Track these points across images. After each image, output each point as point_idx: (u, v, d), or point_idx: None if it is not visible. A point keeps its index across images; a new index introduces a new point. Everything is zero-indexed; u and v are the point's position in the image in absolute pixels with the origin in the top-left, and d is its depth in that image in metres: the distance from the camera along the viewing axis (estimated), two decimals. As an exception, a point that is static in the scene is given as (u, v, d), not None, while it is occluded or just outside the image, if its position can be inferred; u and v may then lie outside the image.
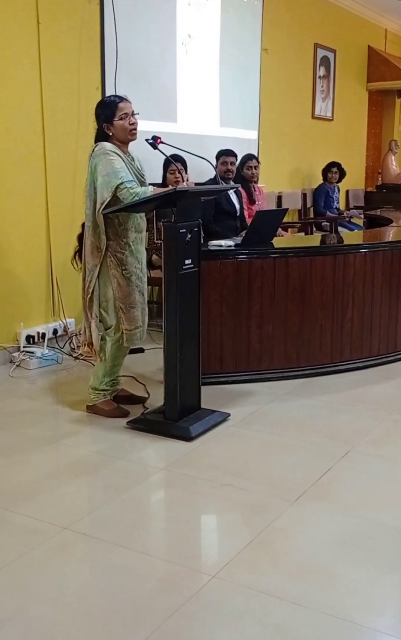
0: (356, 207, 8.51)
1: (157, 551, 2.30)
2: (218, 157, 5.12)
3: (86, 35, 4.62)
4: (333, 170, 7.31)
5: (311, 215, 7.47)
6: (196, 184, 4.64)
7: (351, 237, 5.61)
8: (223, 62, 6.02)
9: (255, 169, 5.55)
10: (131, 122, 3.20)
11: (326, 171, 7.34)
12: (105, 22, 4.72)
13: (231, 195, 5.14)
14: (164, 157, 3.55)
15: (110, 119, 3.18)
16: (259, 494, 2.64)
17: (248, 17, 6.31)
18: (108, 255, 3.22)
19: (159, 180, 4.72)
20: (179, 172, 3.57)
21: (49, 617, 1.93)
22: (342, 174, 7.37)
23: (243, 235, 4.27)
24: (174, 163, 3.98)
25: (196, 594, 2.03)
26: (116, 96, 3.28)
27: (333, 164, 7.34)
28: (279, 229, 5.28)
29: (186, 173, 4.69)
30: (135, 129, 3.22)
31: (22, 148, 4.28)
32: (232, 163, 5.13)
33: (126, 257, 3.24)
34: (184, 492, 2.68)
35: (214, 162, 5.04)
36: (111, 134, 3.20)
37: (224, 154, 5.11)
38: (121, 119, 3.18)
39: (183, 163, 4.52)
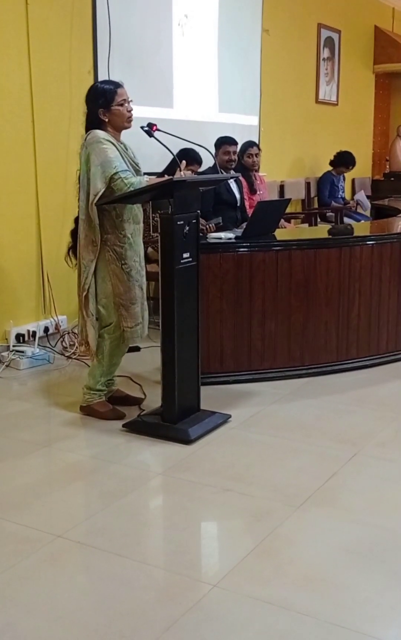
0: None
1: (155, 560, 2.32)
2: (218, 145, 5.11)
3: (77, 15, 4.62)
4: (350, 168, 7.28)
5: (315, 206, 7.47)
6: (195, 174, 4.63)
7: (357, 228, 5.61)
8: (221, 44, 6.02)
9: (256, 156, 5.55)
10: (128, 109, 3.23)
11: (339, 164, 7.28)
12: (97, 2, 4.72)
13: (231, 185, 5.14)
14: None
15: (108, 104, 3.19)
16: (262, 500, 2.65)
17: (248, -5, 6.30)
18: (106, 250, 3.23)
19: (155, 169, 4.71)
20: (180, 168, 3.58)
21: (43, 631, 1.94)
22: (353, 164, 7.35)
23: (244, 227, 4.28)
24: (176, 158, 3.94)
25: (197, 604, 2.05)
26: (111, 81, 3.29)
27: (350, 161, 7.22)
28: (282, 220, 5.29)
29: (199, 166, 4.69)
30: (132, 116, 3.26)
31: (10, 135, 4.28)
32: (234, 152, 5.13)
33: (125, 251, 3.24)
34: (184, 498, 2.69)
35: (213, 150, 5.04)
36: (106, 120, 3.21)
37: (226, 142, 5.09)
38: (120, 104, 3.20)
39: (194, 156, 4.51)
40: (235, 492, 2.71)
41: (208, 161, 4.80)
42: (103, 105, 3.19)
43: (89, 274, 3.24)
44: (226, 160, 5.07)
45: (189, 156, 4.41)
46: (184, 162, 3.61)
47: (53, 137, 4.50)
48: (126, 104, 3.22)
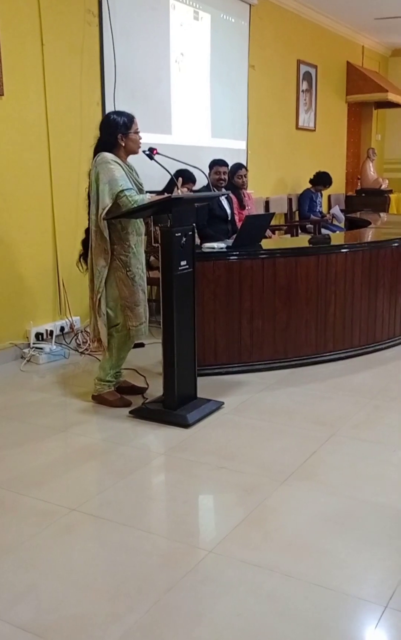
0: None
1: (158, 529, 2.31)
2: (211, 166, 5.11)
3: (86, 54, 4.60)
4: (327, 186, 7.31)
5: (297, 219, 7.46)
6: (191, 191, 4.62)
7: (334, 238, 5.60)
8: (213, 78, 6.01)
9: (244, 176, 5.55)
10: (140, 137, 3.27)
11: (318, 183, 7.28)
12: (104, 43, 4.70)
13: (222, 201, 5.13)
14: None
15: (127, 131, 3.19)
16: (252, 476, 2.64)
17: (236, 36, 6.29)
18: (113, 259, 3.22)
19: (156, 188, 4.70)
20: (177, 186, 3.56)
21: (60, 592, 1.94)
22: (330, 183, 7.34)
23: (234, 238, 4.26)
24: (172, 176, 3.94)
25: (194, 568, 2.04)
26: (126, 112, 3.26)
27: (328, 180, 7.23)
28: (267, 232, 5.28)
29: (193, 184, 4.67)
30: (141, 143, 3.28)
31: (29, 159, 4.26)
32: (224, 172, 5.13)
33: (129, 259, 3.23)
34: (183, 475, 2.69)
35: (207, 171, 5.03)
36: (123, 144, 3.20)
37: (217, 164, 5.10)
38: (136, 132, 3.22)
39: (189, 176, 4.50)
40: (228, 469, 2.70)
41: (202, 180, 4.79)
42: (123, 131, 3.18)
43: (103, 278, 3.23)
44: (218, 179, 5.06)
45: (185, 176, 4.41)
46: (180, 179, 3.60)
47: (66, 161, 4.48)
48: (139, 132, 3.25)
